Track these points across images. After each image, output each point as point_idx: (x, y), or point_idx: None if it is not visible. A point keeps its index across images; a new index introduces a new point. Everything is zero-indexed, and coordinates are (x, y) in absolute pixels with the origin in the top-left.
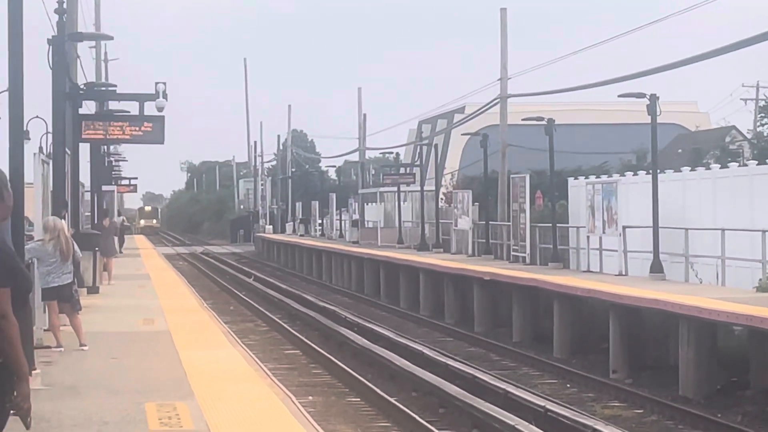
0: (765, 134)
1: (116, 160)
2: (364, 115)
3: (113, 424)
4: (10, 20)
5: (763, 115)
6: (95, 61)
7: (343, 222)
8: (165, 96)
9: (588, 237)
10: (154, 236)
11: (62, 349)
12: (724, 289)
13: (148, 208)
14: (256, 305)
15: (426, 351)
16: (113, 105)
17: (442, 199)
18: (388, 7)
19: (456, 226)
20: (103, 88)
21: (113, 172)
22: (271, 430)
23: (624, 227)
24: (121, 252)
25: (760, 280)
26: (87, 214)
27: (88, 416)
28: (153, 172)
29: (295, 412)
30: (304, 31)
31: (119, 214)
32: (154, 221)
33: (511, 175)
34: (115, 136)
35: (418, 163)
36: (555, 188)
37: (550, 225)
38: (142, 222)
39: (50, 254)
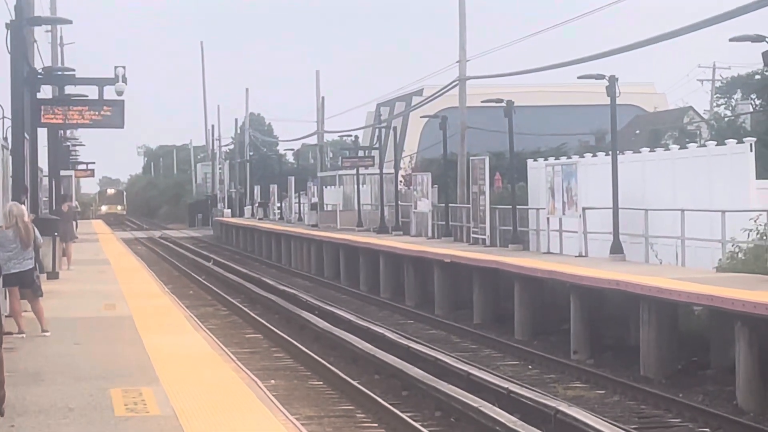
0: (722, 115)
1: (73, 145)
2: (323, 98)
3: (79, 410)
4: None
5: (719, 95)
6: (51, 45)
7: (302, 205)
8: (124, 80)
9: (548, 219)
10: (113, 221)
11: (24, 335)
12: (684, 269)
13: (111, 191)
14: (216, 289)
15: (387, 334)
16: (69, 89)
17: (401, 181)
18: None
19: (415, 208)
20: (62, 73)
21: (70, 157)
22: (238, 413)
23: (584, 208)
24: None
25: (720, 260)
26: (45, 199)
27: (53, 402)
28: (110, 157)
29: (261, 396)
30: (262, 14)
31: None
32: (119, 207)
33: (471, 157)
34: (74, 121)
35: (376, 145)
36: (514, 170)
37: (510, 207)
38: (104, 208)
39: (11, 240)
